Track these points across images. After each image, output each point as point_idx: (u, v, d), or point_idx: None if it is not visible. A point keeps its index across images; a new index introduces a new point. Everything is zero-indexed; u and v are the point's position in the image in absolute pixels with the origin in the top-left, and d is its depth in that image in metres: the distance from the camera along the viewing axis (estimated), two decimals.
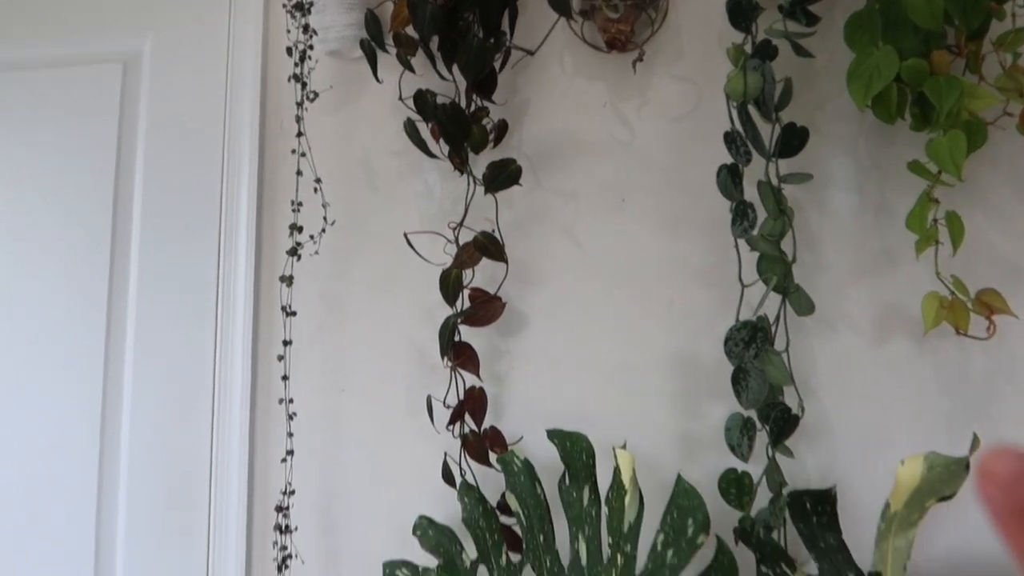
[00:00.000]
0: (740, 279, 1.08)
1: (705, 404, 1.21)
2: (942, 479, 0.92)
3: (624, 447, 0.99)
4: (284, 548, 1.17)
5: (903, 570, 0.97)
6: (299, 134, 1.23)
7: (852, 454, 1.17)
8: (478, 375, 1.14)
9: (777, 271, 1.05)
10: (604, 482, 1.02)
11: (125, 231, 1.38)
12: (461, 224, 1.16)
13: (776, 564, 0.99)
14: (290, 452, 1.20)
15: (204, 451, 1.29)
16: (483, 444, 1.13)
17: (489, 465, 1.13)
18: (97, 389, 1.36)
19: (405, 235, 1.16)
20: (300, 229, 1.21)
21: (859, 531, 1.13)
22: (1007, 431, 1.15)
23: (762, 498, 1.12)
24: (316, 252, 1.27)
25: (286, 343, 1.20)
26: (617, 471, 0.97)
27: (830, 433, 1.18)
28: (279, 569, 1.17)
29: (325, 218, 1.25)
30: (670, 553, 0.92)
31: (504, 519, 1.08)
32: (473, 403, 1.15)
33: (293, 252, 1.20)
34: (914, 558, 1.13)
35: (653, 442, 1.20)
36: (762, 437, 1.13)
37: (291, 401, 1.21)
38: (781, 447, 1.07)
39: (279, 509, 1.18)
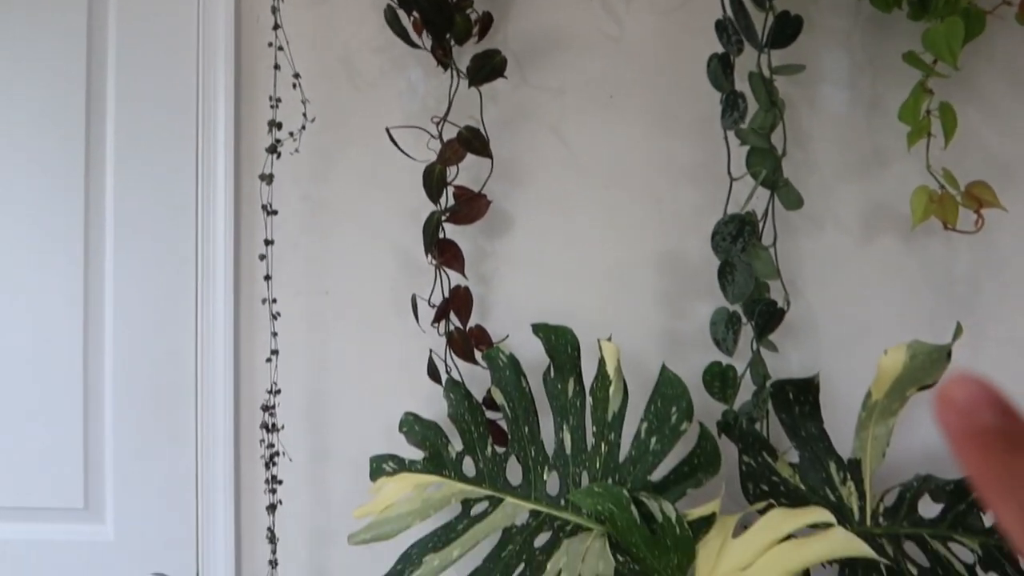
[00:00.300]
0: (729, 172, 1.06)
1: (691, 303, 1.21)
2: (924, 367, 0.92)
3: (609, 339, 0.99)
4: (271, 446, 1.17)
5: (882, 457, 0.98)
6: (276, 26, 1.18)
7: (836, 350, 1.17)
8: (463, 273, 1.13)
9: (766, 164, 1.04)
10: (589, 379, 1.02)
11: (99, 131, 1.34)
12: (445, 119, 1.13)
13: (758, 454, 1.00)
14: (275, 352, 1.19)
15: (189, 353, 1.28)
16: (468, 342, 1.13)
17: (475, 362, 1.13)
18: (78, 295, 1.34)
19: (387, 130, 1.13)
20: (279, 126, 1.18)
21: (840, 423, 1.14)
22: (989, 328, 1.16)
23: (745, 393, 1.13)
24: (296, 151, 1.23)
25: (268, 242, 1.18)
26: (602, 362, 0.97)
27: (815, 330, 1.18)
28: (267, 466, 1.18)
29: (305, 115, 1.21)
30: (653, 440, 0.93)
31: (490, 415, 1.09)
32: (458, 302, 1.15)
33: (272, 150, 1.17)
34: (893, 446, 1.15)
35: (639, 341, 1.20)
36: (747, 333, 1.13)
37: (274, 301, 1.19)
38: (765, 341, 1.07)
39: (265, 408, 1.18)
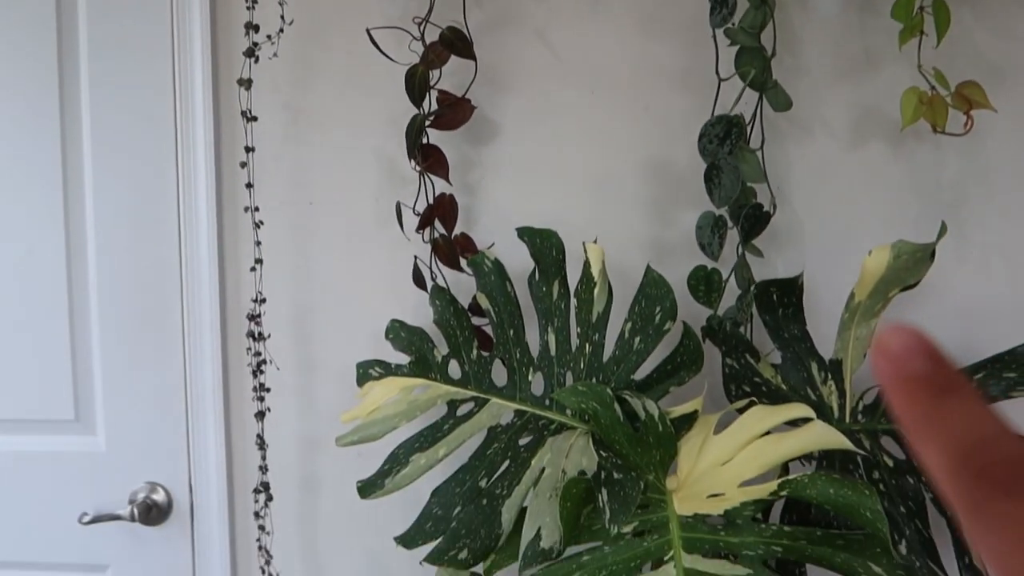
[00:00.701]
0: (717, 72, 1.04)
1: (678, 211, 1.20)
2: (907, 267, 0.93)
3: (595, 242, 0.99)
4: (258, 354, 1.18)
5: (863, 358, 0.99)
6: None
7: (821, 256, 1.17)
8: (447, 179, 1.12)
9: (755, 64, 1.02)
10: (574, 285, 1.02)
11: (72, 41, 1.29)
12: (427, 19, 1.10)
13: (741, 356, 1.01)
14: (259, 261, 1.18)
15: (173, 263, 1.27)
16: (454, 249, 1.12)
17: (460, 269, 1.13)
18: (58, 210, 1.32)
19: (368, 31, 1.10)
20: (256, 28, 1.14)
21: (823, 326, 1.15)
22: (974, 234, 1.16)
23: (729, 299, 1.14)
24: (275, 55, 1.20)
25: (248, 150, 1.16)
26: (587, 264, 0.97)
27: (800, 236, 1.18)
28: (254, 374, 1.19)
29: (283, 17, 1.17)
30: (637, 340, 0.94)
31: (475, 321, 1.09)
32: (443, 209, 1.14)
33: (250, 53, 1.14)
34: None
35: (625, 249, 1.20)
36: (732, 239, 1.13)
37: (256, 210, 1.18)
38: (750, 246, 1.07)
39: (251, 317, 1.18)
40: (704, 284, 1.06)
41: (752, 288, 1.02)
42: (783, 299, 0.98)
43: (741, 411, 0.93)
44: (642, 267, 1.20)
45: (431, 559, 0.89)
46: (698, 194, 1.18)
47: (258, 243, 1.18)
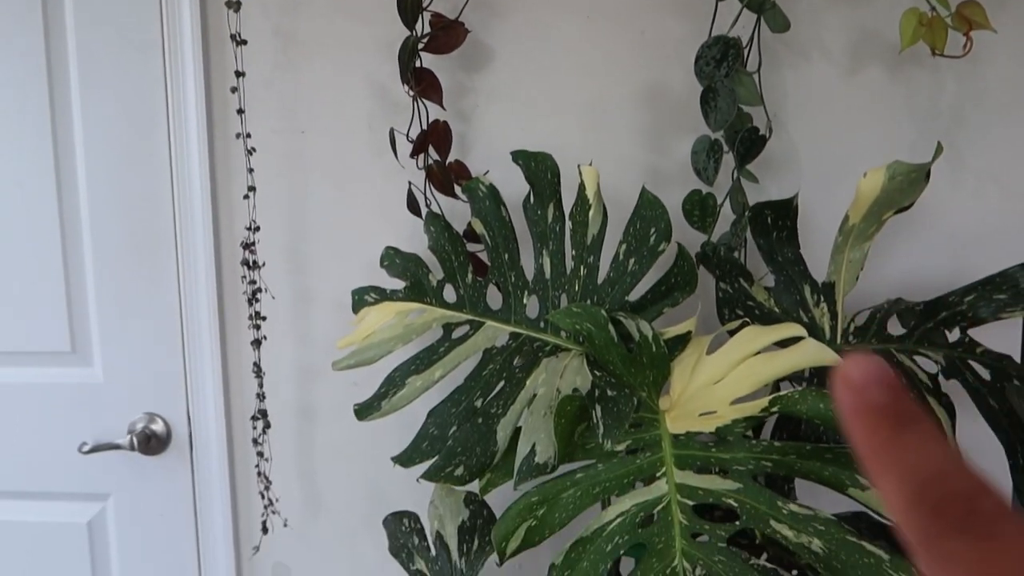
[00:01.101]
0: None
1: (673, 138, 1.20)
2: (901, 188, 0.92)
3: (590, 164, 0.98)
4: (253, 282, 1.18)
5: (855, 280, 1.00)
6: None
7: (817, 182, 1.17)
8: (441, 104, 1.11)
9: None
10: (569, 210, 1.02)
11: None
12: None
13: (735, 280, 1.02)
14: (252, 188, 1.18)
15: (165, 191, 1.27)
16: (448, 175, 1.11)
17: (454, 196, 1.13)
18: (46, 142, 1.30)
19: None
20: None
21: (817, 252, 1.16)
22: (970, 160, 1.16)
23: (724, 225, 1.14)
24: None
25: (239, 74, 1.14)
26: (582, 186, 0.97)
27: (796, 163, 1.18)
28: (249, 302, 1.19)
29: None
30: (632, 262, 0.94)
31: (470, 248, 1.09)
32: (437, 135, 1.13)
33: None
34: (867, 276, 1.18)
35: (621, 176, 1.20)
36: (728, 164, 1.13)
37: (248, 136, 1.17)
38: (746, 171, 1.07)
39: (245, 246, 1.18)
40: (699, 209, 1.06)
41: (747, 212, 1.02)
42: (777, 222, 0.98)
43: (733, 333, 0.94)
44: (637, 194, 1.20)
45: (428, 476, 0.91)
46: (694, 121, 1.17)
47: (251, 170, 1.17)
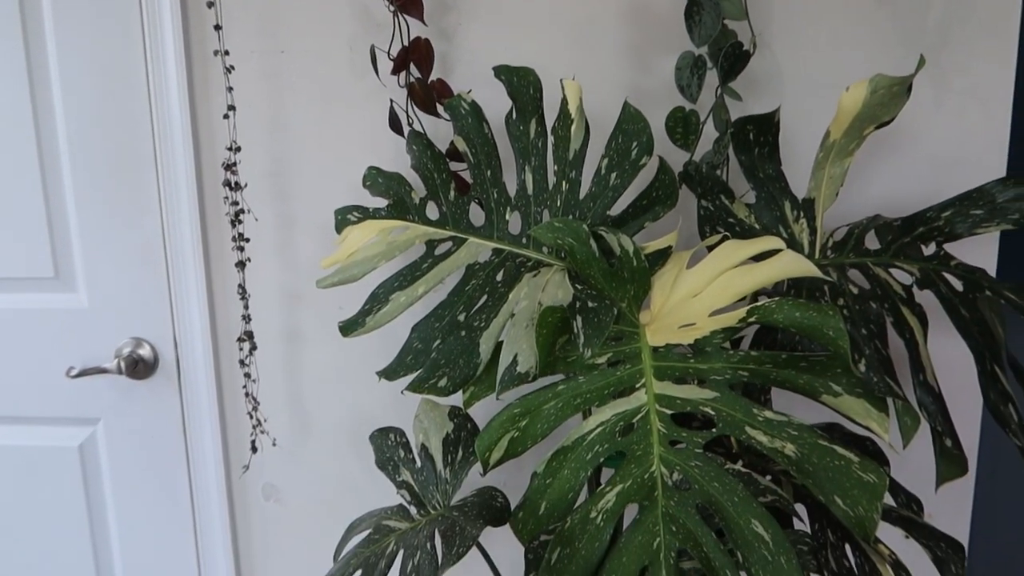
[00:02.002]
0: None
1: (658, 57, 1.19)
2: (883, 102, 0.93)
3: (573, 79, 0.97)
4: (235, 203, 1.18)
5: (835, 196, 1.01)
6: None
7: (800, 101, 1.17)
8: (422, 19, 1.09)
9: None
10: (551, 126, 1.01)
11: None
12: None
13: (716, 197, 1.02)
14: (232, 108, 1.16)
15: (143, 112, 1.25)
16: (430, 93, 1.10)
17: (436, 115, 1.12)
18: (20, 67, 1.27)
19: None
20: None
21: (798, 171, 1.17)
22: (954, 79, 1.16)
23: (706, 145, 1.14)
24: None
25: None
26: (564, 101, 0.96)
27: (780, 81, 1.17)
28: (232, 224, 1.19)
29: None
30: (614, 176, 0.95)
31: (453, 167, 1.09)
32: (418, 53, 1.11)
33: None
34: (848, 196, 1.19)
35: (605, 96, 1.19)
36: (711, 83, 1.12)
37: (227, 54, 1.15)
38: (729, 89, 1.06)
39: (227, 167, 1.17)
40: (682, 126, 1.06)
41: (729, 129, 1.02)
42: (759, 138, 0.98)
43: (713, 248, 0.95)
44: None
45: (412, 387, 0.92)
46: (679, 39, 1.16)
47: (230, 89, 1.16)
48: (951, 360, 1.22)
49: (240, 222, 1.19)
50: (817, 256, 0.99)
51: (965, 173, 1.17)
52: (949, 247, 1.20)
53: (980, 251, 1.18)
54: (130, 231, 1.31)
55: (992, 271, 1.19)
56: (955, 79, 1.16)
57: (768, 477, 1.00)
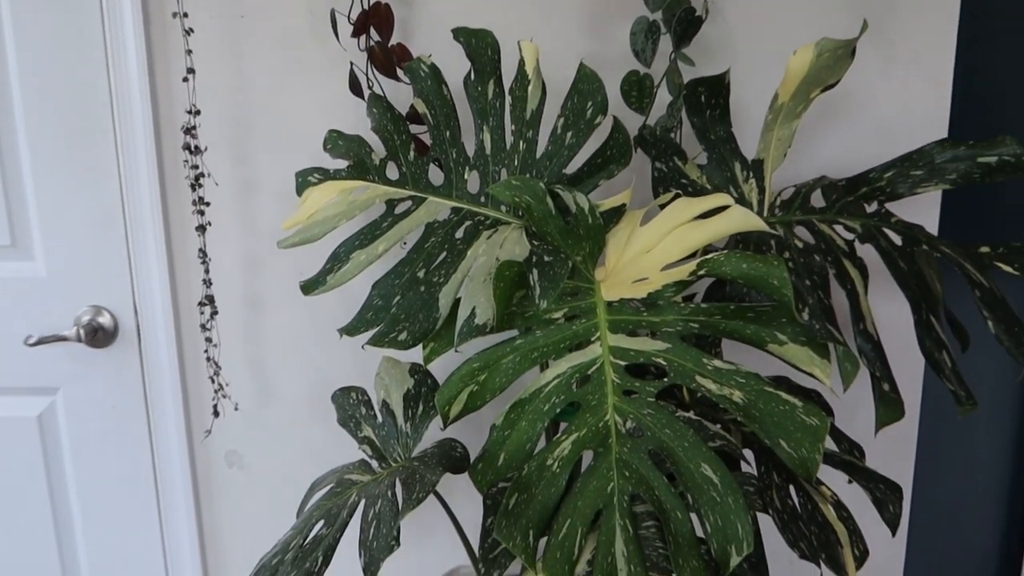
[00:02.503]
0: None
1: (614, 25, 1.21)
2: (828, 65, 0.96)
3: (531, 41, 0.99)
4: (195, 167, 1.18)
5: (783, 157, 1.05)
6: None
7: (751, 68, 1.20)
8: None
9: None
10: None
11: None
12: None
13: (669, 159, 1.05)
14: (191, 71, 1.16)
15: (100, 75, 1.24)
16: (390, 57, 1.12)
17: (396, 78, 1.13)
18: None
19: None
20: None
21: (750, 136, 1.20)
22: (898, 49, 1.20)
23: (660, 110, 1.17)
24: None
25: None
26: (521, 62, 0.98)
27: (732, 48, 1.20)
28: (192, 188, 1.19)
29: None
30: (569, 135, 0.97)
31: (413, 129, 1.10)
32: (378, 17, 1.12)
33: None
34: (796, 159, 1.23)
35: (563, 63, 1.21)
36: (665, 49, 1.15)
37: (186, 16, 1.15)
38: (682, 54, 1.09)
39: (186, 130, 1.17)
40: (636, 89, 1.08)
41: (682, 92, 1.05)
42: (711, 100, 1.01)
43: (665, 206, 0.98)
44: None
45: (373, 342, 0.94)
46: (634, 6, 1.19)
47: (189, 52, 1.16)
48: (887, 306, 1.27)
49: (200, 186, 1.19)
50: (765, 214, 1.02)
51: (909, 138, 1.21)
52: (892, 207, 1.25)
53: (922, 212, 1.23)
54: (88, 197, 1.31)
55: (934, 231, 1.24)
56: (899, 46, 1.20)
57: (718, 426, 1.04)
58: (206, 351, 1.28)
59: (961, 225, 1.33)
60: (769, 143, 1.03)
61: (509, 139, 1.00)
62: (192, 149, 1.17)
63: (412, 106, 1.09)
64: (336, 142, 1.11)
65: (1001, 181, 1.09)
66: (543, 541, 0.89)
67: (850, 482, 1.01)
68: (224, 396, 1.34)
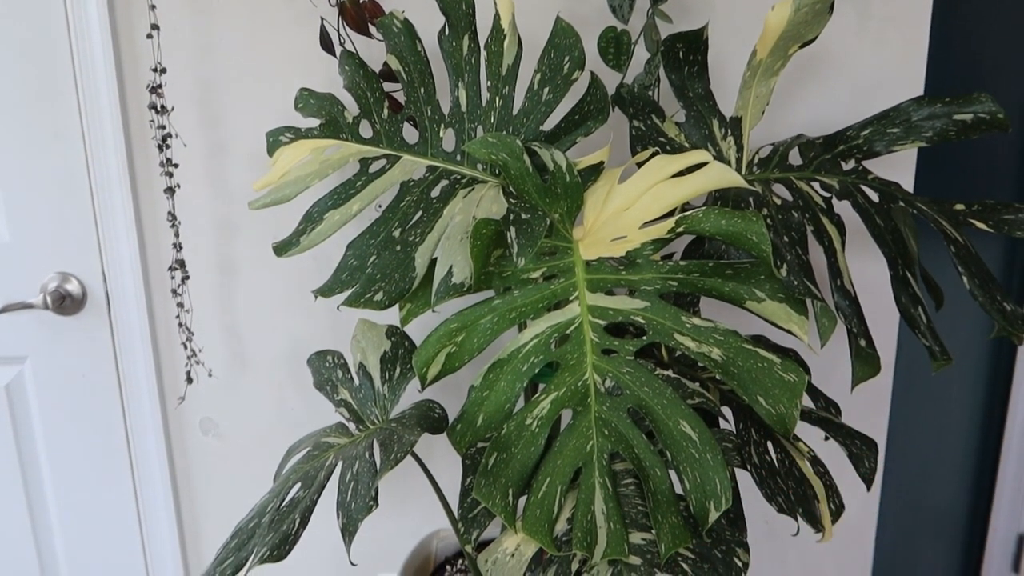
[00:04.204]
0: None
1: None
2: (806, 20, 0.95)
3: None
4: (162, 127, 1.14)
5: (761, 114, 1.04)
6: None
7: (728, 26, 1.19)
8: None
9: None
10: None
11: None
12: None
13: (647, 117, 1.04)
14: (155, 27, 1.12)
15: (60, 32, 1.20)
16: (362, 12, 1.09)
17: (368, 35, 1.10)
18: None
19: None
20: None
21: (728, 95, 1.19)
22: (874, 7, 1.19)
23: (637, 68, 1.16)
24: None
25: None
26: (497, 17, 0.96)
27: (710, 6, 1.19)
28: (160, 149, 1.16)
29: None
30: (546, 91, 0.95)
31: (387, 87, 1.08)
32: None
33: None
34: (774, 117, 1.22)
35: (540, 21, 1.19)
36: (643, 5, 1.13)
37: None
38: (660, 11, 1.08)
39: (152, 89, 1.14)
40: (614, 46, 1.07)
41: (659, 48, 1.03)
42: (688, 56, 1.00)
43: (642, 165, 0.97)
44: None
45: (348, 302, 0.93)
46: None
47: (152, 7, 1.12)
48: (869, 282, 1.28)
49: (168, 147, 1.16)
50: (743, 172, 1.02)
51: (885, 96, 1.21)
52: (869, 165, 1.25)
53: (898, 172, 1.23)
54: (51, 160, 1.27)
55: (910, 189, 1.25)
56: (875, 4, 1.19)
57: (697, 384, 1.04)
58: (178, 317, 1.26)
59: (935, 185, 1.34)
60: (747, 100, 1.02)
61: (485, 96, 0.98)
62: (158, 109, 1.13)
63: (385, 63, 1.06)
64: (307, 100, 1.08)
65: (976, 138, 1.09)
66: (523, 501, 0.89)
67: (827, 438, 1.02)
68: (197, 363, 1.32)
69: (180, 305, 1.24)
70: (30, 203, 1.30)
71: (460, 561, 1.27)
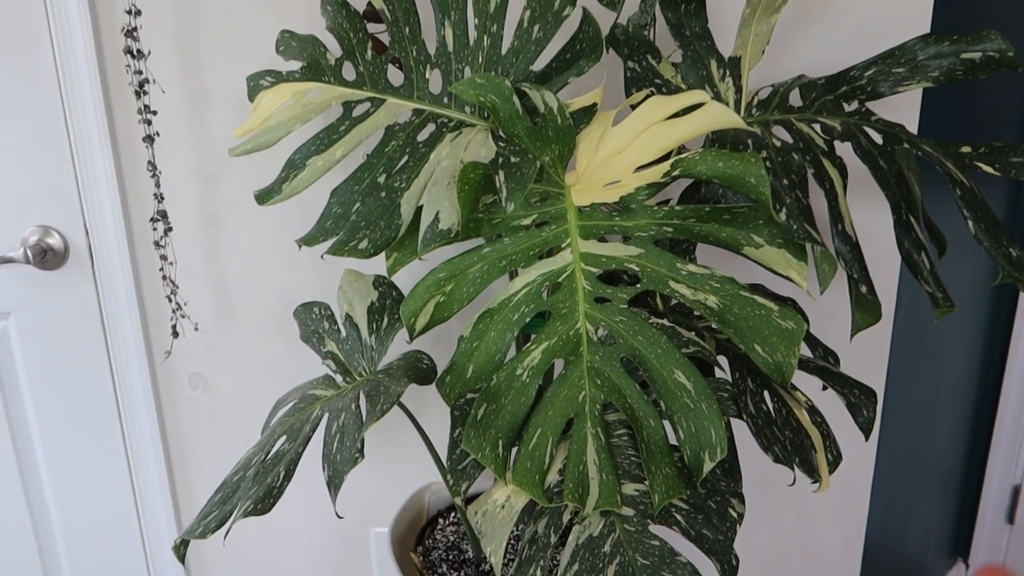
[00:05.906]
0: None
1: None
2: None
3: None
4: (139, 73, 1.10)
5: (760, 54, 1.00)
6: None
7: None
8: None
9: None
10: None
11: None
12: None
13: (643, 58, 1.00)
14: None
15: None
16: None
17: None
18: None
19: None
20: None
21: (727, 33, 1.15)
22: None
23: (632, 8, 1.11)
24: None
25: None
26: None
27: None
28: (137, 95, 1.12)
29: None
30: (536, 29, 0.91)
31: (371, 28, 1.03)
32: None
33: None
34: (775, 59, 1.18)
35: None
36: None
37: None
38: None
39: (127, 33, 1.09)
40: None
41: None
42: None
43: (637, 107, 0.93)
44: None
45: (332, 251, 0.90)
46: None
47: None
48: (866, 207, 1.25)
49: (145, 93, 1.11)
50: (742, 114, 0.98)
51: (891, 35, 1.17)
52: (873, 107, 1.21)
53: (902, 114, 1.20)
54: (26, 109, 1.22)
55: (914, 131, 1.21)
56: None
57: (692, 333, 1.02)
58: (161, 270, 1.23)
59: (940, 129, 1.30)
60: (747, 39, 0.98)
61: (472, 35, 0.94)
62: (134, 53, 1.09)
63: (369, 2, 1.01)
64: (289, 43, 1.04)
65: (984, 78, 1.05)
66: (514, 452, 0.88)
67: (824, 388, 1.00)
68: (183, 316, 1.29)
69: (164, 258, 1.20)
70: (6, 154, 1.26)
71: (453, 514, 1.26)
